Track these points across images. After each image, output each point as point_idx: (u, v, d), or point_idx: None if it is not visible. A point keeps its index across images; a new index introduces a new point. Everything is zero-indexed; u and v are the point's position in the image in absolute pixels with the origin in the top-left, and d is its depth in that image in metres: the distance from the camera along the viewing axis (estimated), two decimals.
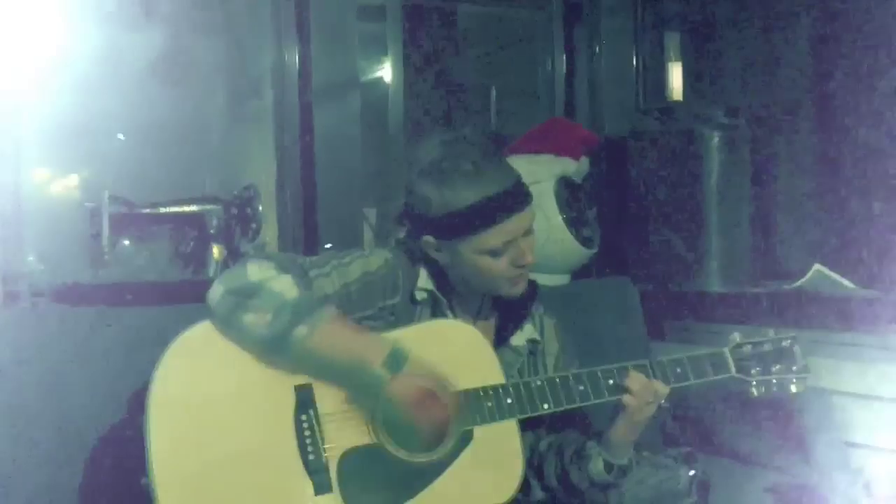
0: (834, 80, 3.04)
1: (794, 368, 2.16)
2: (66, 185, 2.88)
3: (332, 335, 1.90)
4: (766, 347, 2.15)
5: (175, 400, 1.91)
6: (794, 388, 2.16)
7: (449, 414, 1.95)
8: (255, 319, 1.89)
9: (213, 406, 1.93)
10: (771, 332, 2.18)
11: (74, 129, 2.78)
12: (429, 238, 2.05)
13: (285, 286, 1.91)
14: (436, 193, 1.99)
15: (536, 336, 2.19)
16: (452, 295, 2.11)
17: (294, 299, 1.90)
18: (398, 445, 1.96)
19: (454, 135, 2.11)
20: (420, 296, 2.09)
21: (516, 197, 2.02)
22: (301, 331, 1.88)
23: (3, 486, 2.16)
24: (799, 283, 2.85)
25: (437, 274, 2.09)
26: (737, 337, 2.15)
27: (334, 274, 2.02)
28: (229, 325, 1.93)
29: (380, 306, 2.05)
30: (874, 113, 2.84)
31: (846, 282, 2.80)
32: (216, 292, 1.93)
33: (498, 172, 2.02)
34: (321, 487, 1.92)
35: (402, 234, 2.18)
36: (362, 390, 1.93)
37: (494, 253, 2.01)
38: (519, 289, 2.08)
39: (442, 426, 1.96)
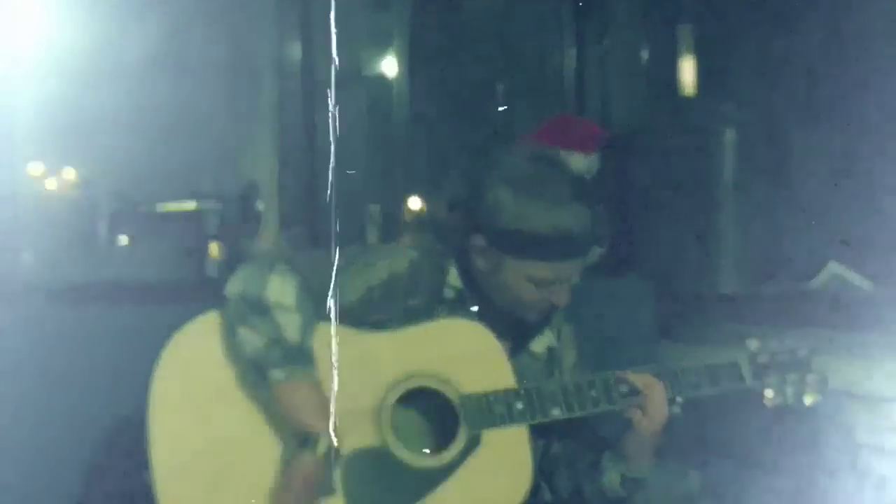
0: (849, 74, 3.01)
1: (809, 379, 2.12)
2: (64, 181, 2.87)
3: (298, 397, 1.88)
4: (783, 357, 2.09)
5: (177, 394, 1.90)
6: (808, 400, 2.11)
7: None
8: (249, 338, 1.87)
9: (215, 402, 1.91)
10: (788, 340, 2.15)
11: (74, 125, 2.77)
12: (480, 241, 2.00)
13: (290, 325, 1.88)
14: (515, 205, 1.94)
15: (555, 343, 2.16)
16: (479, 298, 2.08)
17: (289, 343, 1.88)
18: (404, 448, 1.93)
19: (548, 155, 2.08)
20: (448, 294, 2.05)
21: (585, 241, 1.99)
22: (277, 374, 1.86)
23: (2, 485, 2.14)
24: (813, 282, 2.83)
25: (468, 277, 2.06)
26: (754, 344, 2.11)
27: (358, 279, 1.99)
28: (227, 326, 1.91)
29: (401, 307, 2.01)
30: (889, 109, 2.81)
31: (860, 280, 2.77)
32: (234, 288, 1.91)
33: (580, 212, 1.97)
34: (325, 489, 1.89)
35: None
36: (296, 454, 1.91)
37: (539, 284, 1.97)
38: (535, 316, 2.06)
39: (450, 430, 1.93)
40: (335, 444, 1.88)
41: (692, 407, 2.08)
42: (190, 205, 2.92)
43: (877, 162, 2.86)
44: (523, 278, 1.97)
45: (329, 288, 1.96)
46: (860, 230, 2.82)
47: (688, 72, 3.57)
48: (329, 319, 1.94)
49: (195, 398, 1.91)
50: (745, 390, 2.07)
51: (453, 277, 2.04)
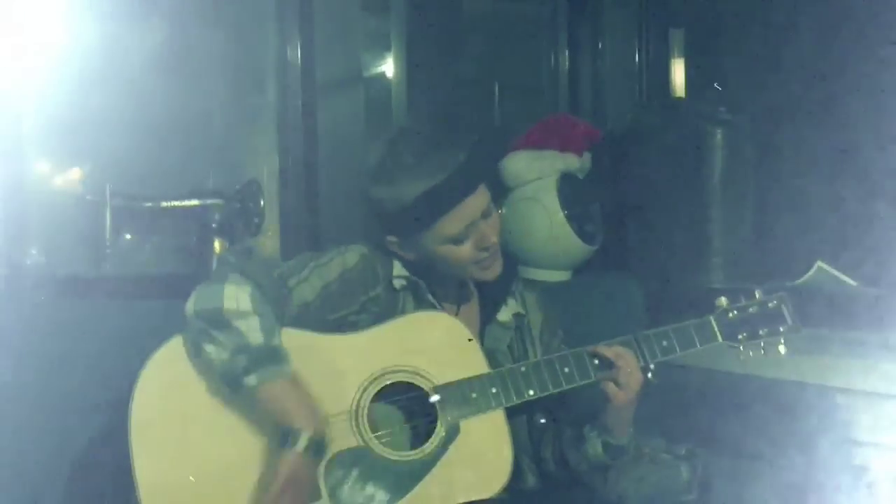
0: (838, 77, 3.02)
1: (782, 329, 2.12)
2: (69, 178, 2.88)
3: (275, 396, 1.90)
4: (753, 310, 2.12)
5: (155, 417, 1.93)
6: (782, 350, 2.12)
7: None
8: (215, 353, 1.90)
9: (194, 421, 1.95)
10: (758, 294, 2.15)
11: (77, 122, 2.78)
12: (391, 238, 2.06)
13: (251, 329, 1.90)
14: (386, 193, 2.00)
15: (521, 310, 2.20)
16: (430, 278, 2.11)
17: (255, 346, 1.89)
18: (384, 445, 1.97)
19: (395, 131, 2.13)
20: (398, 283, 2.09)
21: (463, 180, 2.00)
22: (251, 380, 1.88)
23: (2, 480, 2.18)
24: (801, 280, 2.84)
25: (410, 263, 2.11)
26: (723, 301, 2.12)
27: (313, 277, 2.04)
28: (193, 347, 1.95)
29: (363, 300, 2.06)
30: (878, 110, 2.82)
31: (848, 279, 2.78)
32: (190, 308, 1.94)
33: (440, 159, 1.99)
34: (311, 495, 1.92)
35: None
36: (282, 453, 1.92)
37: (456, 240, 2.01)
38: (492, 272, 2.08)
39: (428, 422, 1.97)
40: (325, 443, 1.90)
41: (691, 404, 2.11)
42: (192, 202, 2.91)
43: (869, 161, 2.88)
44: (441, 244, 2.01)
45: (283, 292, 1.99)
46: (853, 230, 2.84)
47: (680, 73, 3.58)
48: (289, 324, 1.97)
49: (176, 419, 1.94)
50: (718, 347, 2.10)
51: (398, 268, 2.09)
